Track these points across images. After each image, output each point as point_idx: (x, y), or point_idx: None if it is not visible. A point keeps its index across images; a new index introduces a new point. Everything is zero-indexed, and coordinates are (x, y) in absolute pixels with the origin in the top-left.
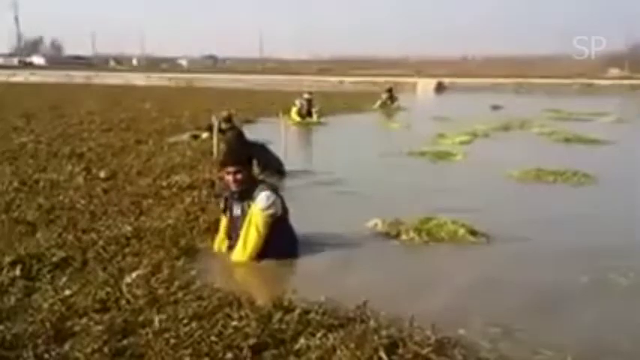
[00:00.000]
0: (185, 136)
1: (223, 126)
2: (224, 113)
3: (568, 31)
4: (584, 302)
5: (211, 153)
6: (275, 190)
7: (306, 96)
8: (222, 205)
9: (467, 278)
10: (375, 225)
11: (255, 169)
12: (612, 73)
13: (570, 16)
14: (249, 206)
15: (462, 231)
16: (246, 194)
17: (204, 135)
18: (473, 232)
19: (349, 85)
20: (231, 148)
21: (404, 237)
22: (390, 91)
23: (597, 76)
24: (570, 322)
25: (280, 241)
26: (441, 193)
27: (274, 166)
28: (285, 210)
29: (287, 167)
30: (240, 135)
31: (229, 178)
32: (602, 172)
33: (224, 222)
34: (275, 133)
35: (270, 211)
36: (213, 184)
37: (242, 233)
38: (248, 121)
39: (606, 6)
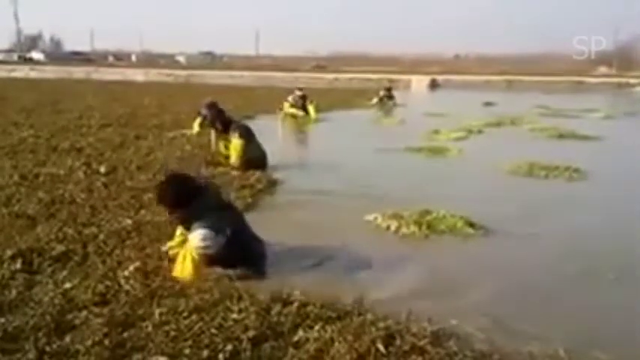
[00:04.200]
0: (182, 132)
1: (204, 111)
2: (207, 101)
3: (559, 31)
4: (574, 294)
5: (209, 147)
6: (217, 214)
7: (298, 93)
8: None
9: (464, 270)
10: (375, 218)
11: (239, 140)
12: (601, 71)
13: (561, 15)
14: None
15: (460, 224)
16: (186, 227)
17: (197, 121)
18: (471, 225)
19: (344, 81)
20: (161, 190)
21: (404, 230)
22: (389, 89)
23: (587, 74)
24: (560, 314)
25: (241, 261)
26: (438, 188)
27: (256, 155)
28: (231, 232)
29: (285, 162)
30: (220, 111)
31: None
32: (593, 167)
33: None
34: (274, 129)
35: (205, 250)
36: None
37: (180, 255)
38: (247, 117)
39: (595, 5)
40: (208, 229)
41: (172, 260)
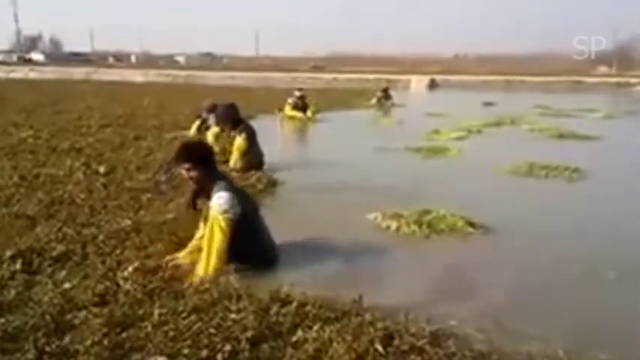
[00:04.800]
0: (181, 133)
1: (204, 114)
2: (207, 103)
3: (559, 30)
4: (574, 294)
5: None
6: (234, 186)
7: (297, 93)
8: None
9: (464, 270)
10: (375, 218)
11: (244, 142)
12: (601, 71)
13: (561, 15)
14: (207, 208)
15: (460, 223)
16: (205, 193)
17: (195, 124)
18: (471, 225)
19: (343, 81)
20: (185, 145)
21: (405, 230)
22: (385, 90)
23: (586, 74)
24: (560, 314)
25: (249, 247)
26: (437, 187)
27: (256, 156)
28: (247, 209)
29: (285, 162)
30: (231, 106)
31: (185, 175)
32: (593, 167)
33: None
34: (273, 129)
35: (228, 215)
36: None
37: (204, 244)
38: (248, 117)
39: (595, 5)
40: (229, 191)
41: (172, 269)
